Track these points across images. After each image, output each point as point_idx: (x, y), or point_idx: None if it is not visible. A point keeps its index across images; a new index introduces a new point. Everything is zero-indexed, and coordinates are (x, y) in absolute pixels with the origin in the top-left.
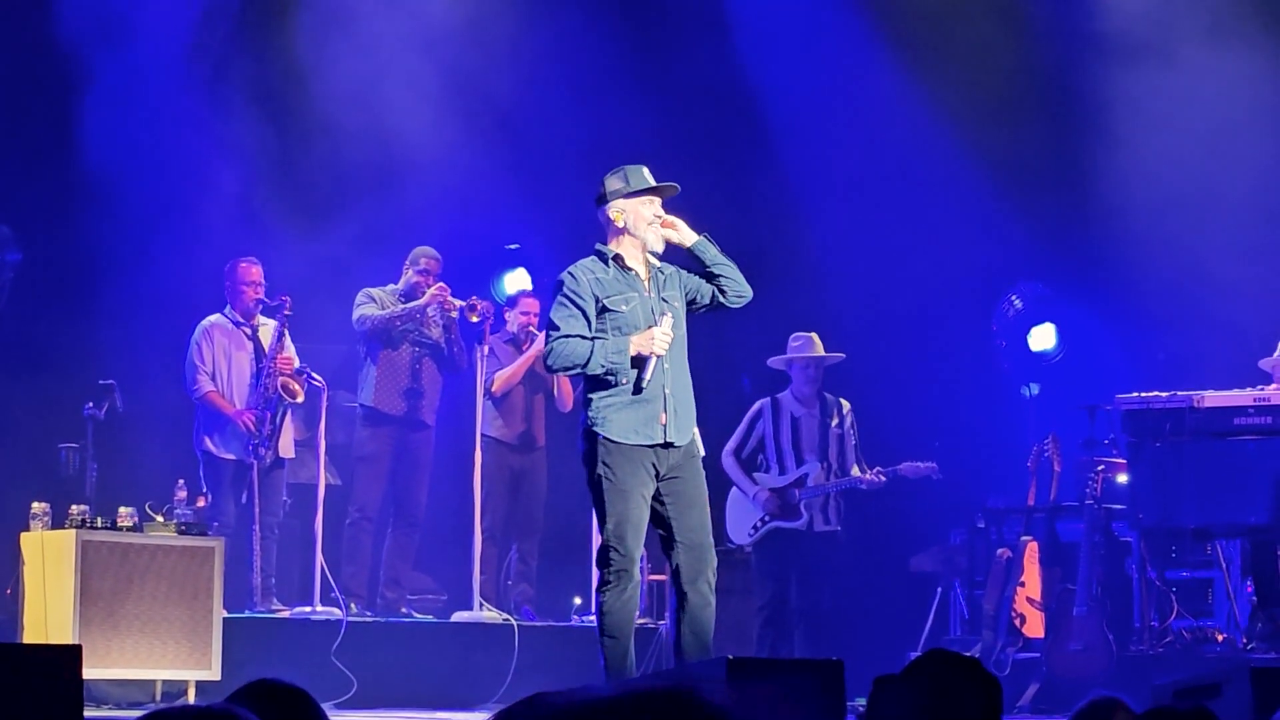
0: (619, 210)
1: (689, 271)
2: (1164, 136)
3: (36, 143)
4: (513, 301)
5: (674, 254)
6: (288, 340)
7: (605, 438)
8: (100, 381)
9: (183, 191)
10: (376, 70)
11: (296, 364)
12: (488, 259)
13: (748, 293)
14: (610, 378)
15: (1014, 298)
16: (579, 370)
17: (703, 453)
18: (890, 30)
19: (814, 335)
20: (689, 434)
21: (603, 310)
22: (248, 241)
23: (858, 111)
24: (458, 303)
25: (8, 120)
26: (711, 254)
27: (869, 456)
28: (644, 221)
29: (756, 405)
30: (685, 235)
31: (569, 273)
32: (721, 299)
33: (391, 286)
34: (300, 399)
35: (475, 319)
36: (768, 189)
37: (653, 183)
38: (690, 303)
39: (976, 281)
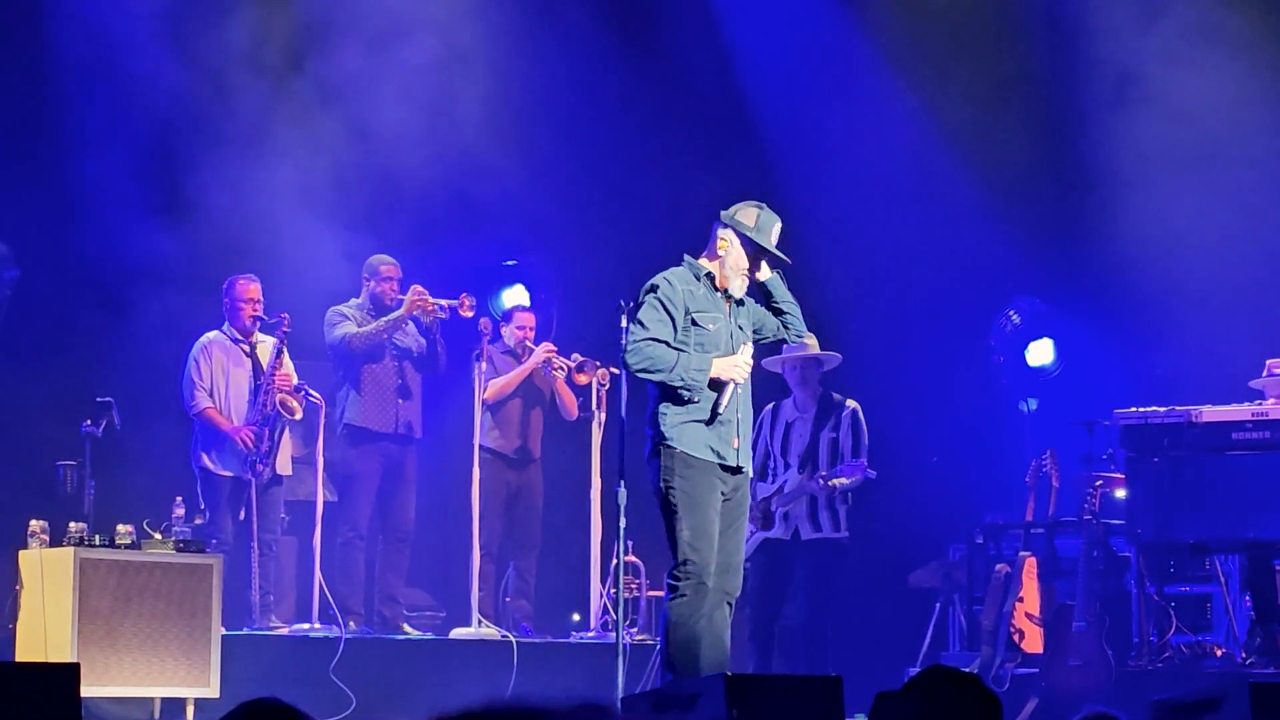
0: (727, 240)
1: (758, 304)
2: (1161, 154)
3: (33, 158)
4: (508, 316)
5: None
6: (286, 357)
7: (682, 452)
8: (98, 399)
9: (182, 206)
10: (371, 84)
11: (295, 381)
12: (485, 274)
13: (804, 333)
14: (684, 393)
15: (1012, 313)
16: (657, 375)
17: (749, 478)
18: (888, 44)
19: (809, 337)
20: (749, 460)
21: (691, 324)
22: (247, 258)
23: (854, 126)
24: (443, 302)
25: (4, 136)
26: (781, 291)
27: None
28: (740, 268)
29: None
30: (764, 272)
31: (664, 279)
32: (784, 334)
33: (355, 301)
34: (298, 416)
35: (468, 314)
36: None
37: (773, 248)
38: (755, 332)
39: (974, 297)
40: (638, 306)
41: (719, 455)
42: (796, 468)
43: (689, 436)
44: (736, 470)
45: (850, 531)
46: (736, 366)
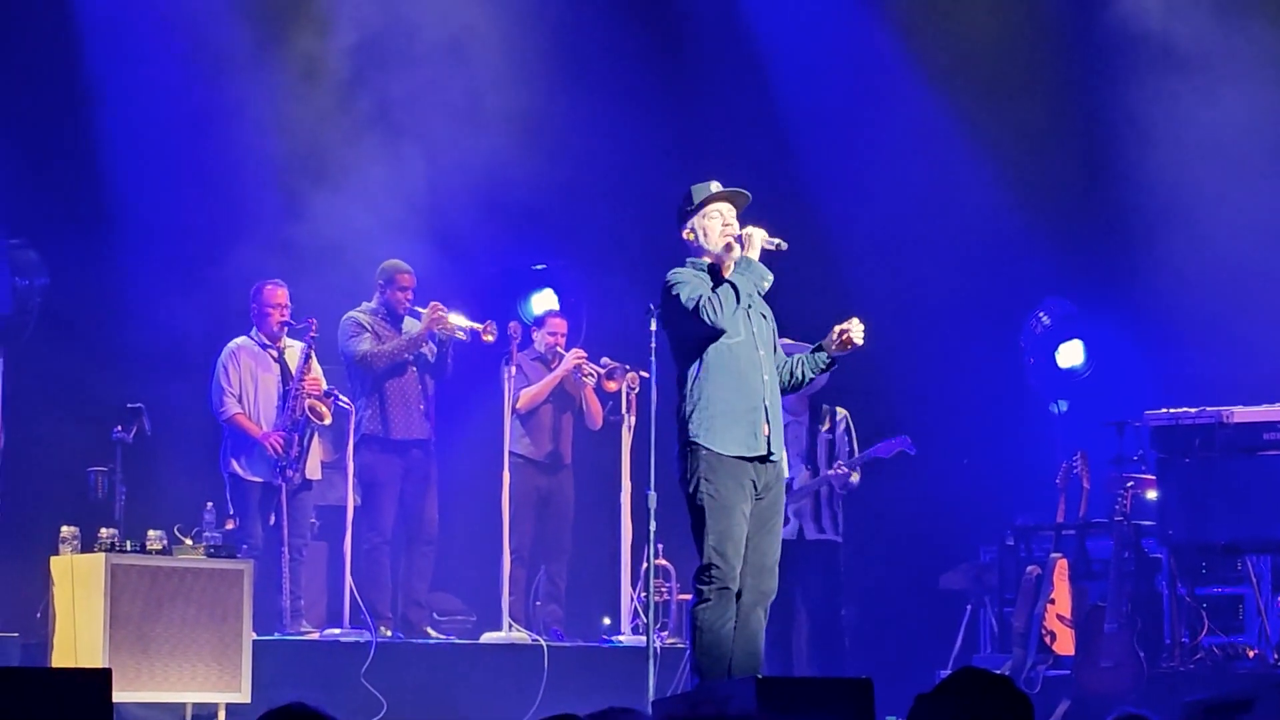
0: (690, 230)
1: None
2: (1191, 153)
3: (63, 166)
4: (540, 322)
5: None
6: (315, 362)
7: (709, 450)
8: (128, 405)
9: (209, 213)
10: (405, 90)
11: (324, 386)
12: (515, 279)
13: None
14: (707, 312)
15: (1041, 314)
16: (713, 301)
17: (786, 474)
18: (920, 48)
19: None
20: (781, 449)
21: None
22: (275, 263)
23: (886, 128)
24: (462, 323)
25: (35, 144)
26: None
27: (901, 470)
28: (714, 234)
29: None
30: (753, 249)
31: (677, 271)
32: (803, 375)
33: (367, 305)
34: (327, 421)
35: (489, 339)
36: (795, 206)
37: (714, 190)
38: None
39: (1004, 298)
40: (667, 290)
41: (748, 447)
42: (802, 465)
43: (716, 432)
44: (767, 459)
45: (841, 537)
46: (752, 234)
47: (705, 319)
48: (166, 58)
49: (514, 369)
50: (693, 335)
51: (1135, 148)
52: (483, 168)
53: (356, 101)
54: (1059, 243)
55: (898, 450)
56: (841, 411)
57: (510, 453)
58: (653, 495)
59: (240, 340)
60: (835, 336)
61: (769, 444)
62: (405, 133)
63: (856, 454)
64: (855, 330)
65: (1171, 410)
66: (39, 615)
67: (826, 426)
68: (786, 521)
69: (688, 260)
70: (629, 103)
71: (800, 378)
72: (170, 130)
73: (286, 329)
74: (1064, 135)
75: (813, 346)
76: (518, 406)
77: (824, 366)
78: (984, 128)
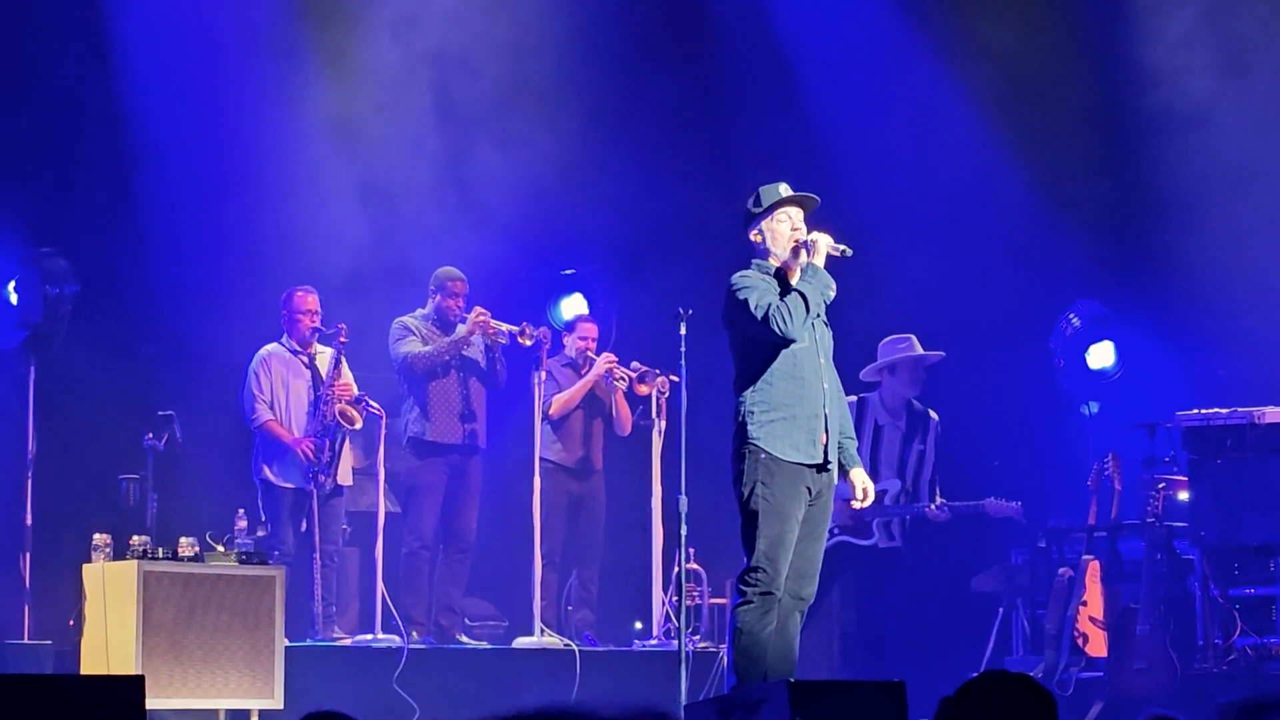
0: (758, 232)
1: None
2: (1222, 154)
3: (93, 174)
4: (570, 326)
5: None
6: (345, 368)
7: (769, 454)
8: (160, 412)
9: (239, 220)
10: (434, 95)
11: (355, 391)
12: (545, 284)
13: (791, 316)
14: (776, 321)
15: (1072, 316)
16: (796, 314)
17: (835, 480)
18: (950, 51)
19: (913, 336)
20: (836, 458)
21: None
22: (304, 269)
23: (915, 129)
24: (503, 327)
25: (67, 153)
26: (814, 272)
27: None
28: (783, 238)
29: None
30: (819, 256)
31: (744, 273)
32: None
33: (421, 312)
34: (358, 425)
35: (527, 343)
36: (825, 210)
37: (783, 195)
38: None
39: (1034, 300)
40: (733, 294)
41: (807, 455)
42: (897, 478)
43: (777, 438)
44: (824, 467)
45: (904, 543)
46: (816, 238)
47: (775, 328)
48: (197, 65)
49: (544, 375)
50: (758, 340)
51: (1167, 150)
52: (510, 170)
53: (387, 110)
54: (1089, 244)
55: (1006, 516)
56: (933, 414)
57: (541, 459)
58: (684, 499)
59: (271, 347)
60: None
61: (825, 453)
62: (437, 140)
63: (936, 466)
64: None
65: (1203, 411)
66: (71, 623)
67: (920, 437)
68: (871, 534)
69: (753, 262)
70: (658, 108)
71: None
72: (200, 137)
73: (317, 335)
74: (1094, 137)
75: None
76: (550, 413)
77: None
78: (1014, 130)
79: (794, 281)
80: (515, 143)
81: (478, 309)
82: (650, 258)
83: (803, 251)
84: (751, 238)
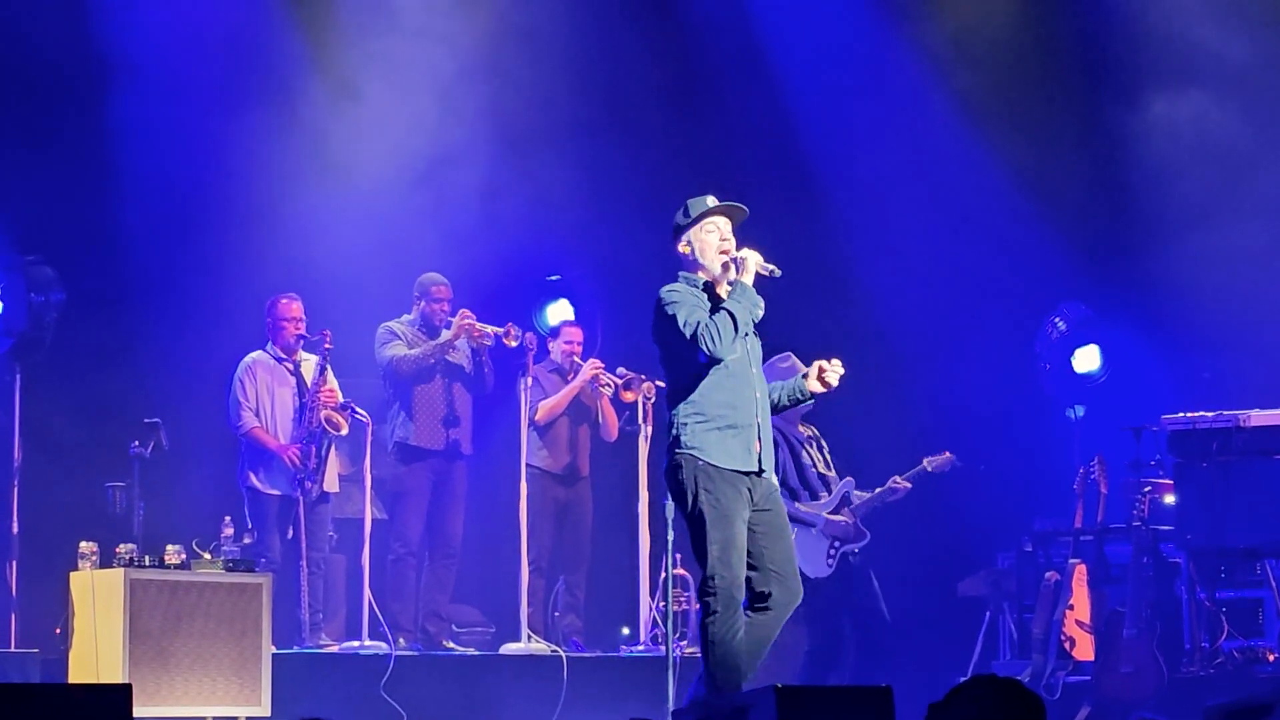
0: (686, 244)
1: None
2: (1207, 158)
3: (79, 182)
4: (555, 332)
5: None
6: (330, 374)
7: (706, 463)
8: (146, 420)
9: (225, 229)
10: (419, 101)
11: (340, 398)
12: (530, 290)
13: (717, 339)
14: (705, 340)
15: (1057, 320)
16: (725, 334)
17: (778, 487)
18: (933, 54)
19: (792, 354)
20: (771, 464)
21: None
22: (290, 276)
23: (899, 132)
24: (488, 329)
25: (51, 160)
26: (740, 290)
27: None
28: (711, 249)
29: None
30: (747, 274)
31: (673, 287)
32: (778, 401)
33: (406, 317)
34: (344, 431)
35: (513, 343)
36: (808, 213)
37: (710, 204)
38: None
39: (1019, 304)
40: (662, 310)
41: (743, 462)
42: (838, 475)
43: (713, 445)
44: (760, 473)
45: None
46: (746, 255)
47: (704, 347)
48: (183, 74)
49: (530, 380)
50: (687, 356)
51: (1151, 152)
52: (495, 175)
53: (370, 118)
54: (1074, 248)
55: (944, 467)
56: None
57: (528, 465)
58: (670, 505)
59: (256, 354)
60: (815, 373)
61: (760, 460)
62: (420, 146)
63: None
64: (832, 372)
65: (1188, 415)
66: (58, 631)
67: (811, 430)
68: (864, 534)
69: (680, 275)
70: (641, 111)
71: (775, 403)
72: (185, 146)
73: (301, 342)
74: (1079, 140)
75: (800, 372)
76: (536, 418)
77: (800, 399)
78: (999, 133)
79: (721, 295)
80: (497, 147)
81: (463, 311)
82: (635, 262)
83: (732, 267)
84: (680, 249)
